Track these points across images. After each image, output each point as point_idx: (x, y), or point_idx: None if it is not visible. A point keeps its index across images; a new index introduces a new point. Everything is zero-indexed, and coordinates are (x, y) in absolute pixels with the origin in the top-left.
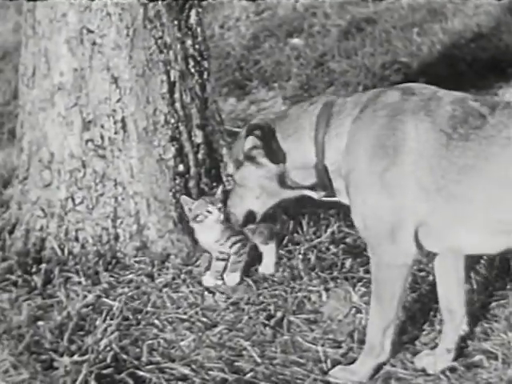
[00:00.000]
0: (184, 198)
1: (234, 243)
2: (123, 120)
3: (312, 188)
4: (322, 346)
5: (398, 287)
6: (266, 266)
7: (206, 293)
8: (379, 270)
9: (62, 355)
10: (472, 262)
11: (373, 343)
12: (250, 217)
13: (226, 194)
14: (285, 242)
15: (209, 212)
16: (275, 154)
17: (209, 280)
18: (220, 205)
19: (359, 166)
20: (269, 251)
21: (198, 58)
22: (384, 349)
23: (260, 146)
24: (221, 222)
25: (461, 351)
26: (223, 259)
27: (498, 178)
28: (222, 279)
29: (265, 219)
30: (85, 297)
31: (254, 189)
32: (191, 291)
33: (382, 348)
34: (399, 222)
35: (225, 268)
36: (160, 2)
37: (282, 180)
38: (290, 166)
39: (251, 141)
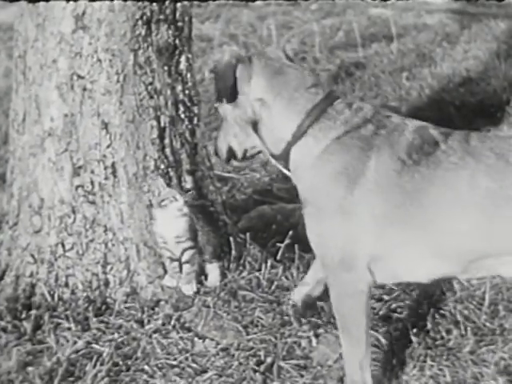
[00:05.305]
0: (160, 180)
1: (187, 249)
2: (113, 165)
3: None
4: None
5: (360, 315)
6: (212, 280)
7: (195, 339)
8: (338, 300)
9: None
10: (462, 307)
11: (353, 380)
12: (231, 153)
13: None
14: (274, 287)
15: (175, 198)
16: (227, 95)
17: (169, 280)
18: (188, 199)
19: (322, 188)
20: (213, 267)
21: (188, 104)
22: (366, 383)
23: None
24: (183, 215)
25: None
26: (176, 260)
27: (440, 200)
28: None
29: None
30: (75, 342)
31: (233, 126)
32: (181, 337)
33: (363, 383)
34: (352, 251)
35: (180, 268)
36: (150, 48)
37: (256, 128)
38: (265, 120)
39: None
